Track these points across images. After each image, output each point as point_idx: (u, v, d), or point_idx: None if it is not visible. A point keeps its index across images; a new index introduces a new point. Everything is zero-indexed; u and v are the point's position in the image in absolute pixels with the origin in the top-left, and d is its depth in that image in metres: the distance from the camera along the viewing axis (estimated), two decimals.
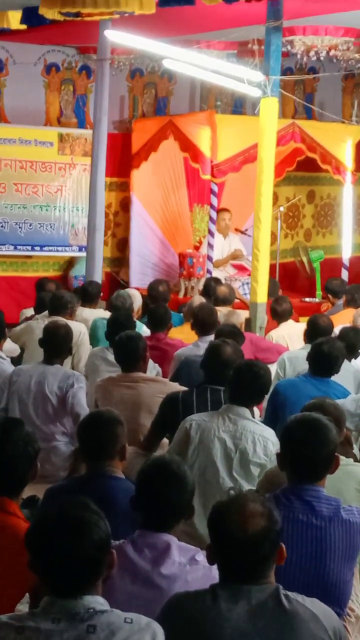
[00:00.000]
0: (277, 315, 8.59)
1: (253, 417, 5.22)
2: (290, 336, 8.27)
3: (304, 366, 6.51)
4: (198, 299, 8.62)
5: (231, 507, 2.96)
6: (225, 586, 2.94)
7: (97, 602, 2.70)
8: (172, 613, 2.96)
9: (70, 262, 12.70)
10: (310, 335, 7.05)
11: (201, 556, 3.43)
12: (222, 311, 8.51)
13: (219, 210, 11.64)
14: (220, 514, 2.97)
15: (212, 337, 7.06)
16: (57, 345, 6.45)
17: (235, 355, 5.68)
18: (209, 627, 2.87)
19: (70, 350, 6.68)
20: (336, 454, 3.89)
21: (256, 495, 3.04)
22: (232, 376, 5.24)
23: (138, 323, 7.83)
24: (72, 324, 7.30)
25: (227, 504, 2.98)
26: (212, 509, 3.02)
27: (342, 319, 8.41)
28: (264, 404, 6.66)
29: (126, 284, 11.99)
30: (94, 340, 8.17)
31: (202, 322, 7.45)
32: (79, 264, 12.25)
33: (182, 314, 8.88)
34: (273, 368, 7.11)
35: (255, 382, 5.19)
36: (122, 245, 13.03)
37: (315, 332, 6.98)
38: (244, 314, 9.07)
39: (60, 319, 7.22)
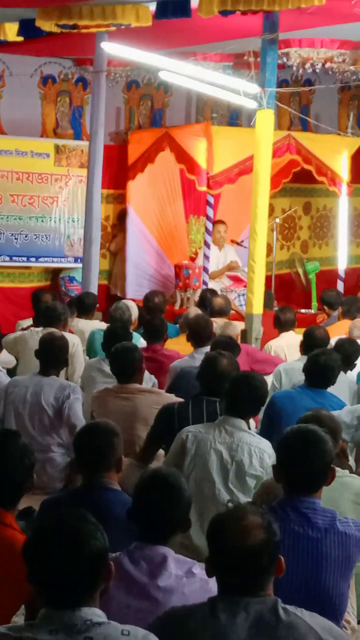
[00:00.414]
0: (280, 324, 8.57)
1: (249, 428, 5.22)
2: (289, 347, 8.27)
3: (300, 377, 6.51)
4: (194, 311, 8.63)
5: (230, 518, 2.96)
6: (224, 599, 2.93)
7: (95, 614, 2.69)
8: (170, 626, 2.95)
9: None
10: (307, 346, 7.06)
11: (198, 569, 3.42)
12: (218, 322, 8.52)
13: (214, 222, 11.66)
14: (220, 526, 2.96)
15: (207, 349, 7.06)
16: (53, 356, 6.45)
17: (231, 367, 5.69)
18: (205, 634, 2.86)
19: (67, 362, 6.69)
20: (332, 465, 3.89)
21: (255, 508, 3.03)
22: (229, 388, 5.24)
23: (135, 334, 7.83)
24: (67, 335, 7.29)
25: (226, 516, 2.98)
26: (211, 521, 3.02)
27: (337, 331, 8.42)
28: (260, 415, 6.66)
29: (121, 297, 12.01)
30: (91, 351, 8.17)
31: (198, 334, 7.46)
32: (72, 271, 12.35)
33: (178, 325, 8.88)
34: (269, 379, 7.13)
35: (252, 394, 5.19)
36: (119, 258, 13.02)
37: (312, 344, 6.98)
38: (239, 325, 9.08)
39: (55, 331, 7.21)
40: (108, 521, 3.14)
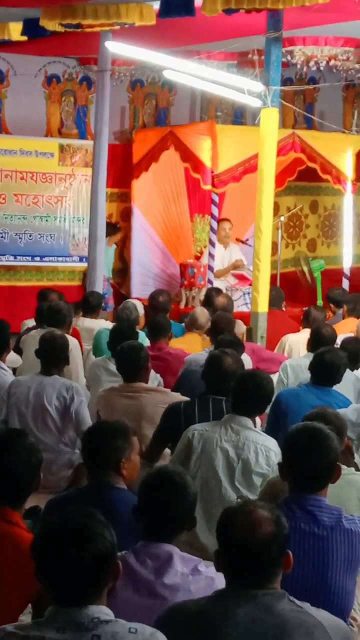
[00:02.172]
0: (307, 321, 8.51)
1: (255, 426, 5.23)
2: (305, 343, 8.23)
3: (307, 374, 6.52)
4: (200, 310, 8.62)
5: (240, 512, 2.99)
6: (232, 590, 2.94)
7: (102, 611, 2.69)
8: (174, 617, 2.97)
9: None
10: (314, 344, 7.06)
11: (203, 567, 3.43)
12: None
13: (219, 220, 11.66)
14: (229, 519, 2.99)
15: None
16: (54, 355, 6.43)
17: (236, 365, 5.70)
18: (211, 627, 2.87)
19: (67, 360, 6.65)
20: (338, 463, 3.90)
21: (264, 502, 3.07)
22: (235, 386, 5.24)
23: (141, 333, 7.84)
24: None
25: (236, 509, 3.01)
26: (221, 514, 3.04)
27: (343, 329, 8.41)
28: (266, 413, 6.66)
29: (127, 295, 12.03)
30: (97, 350, 8.17)
31: (219, 330, 7.51)
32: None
33: (183, 325, 8.88)
34: (274, 378, 7.14)
35: (258, 392, 5.20)
36: (124, 256, 13.04)
37: (319, 342, 6.99)
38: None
39: (55, 330, 7.17)
40: (114, 520, 3.14)
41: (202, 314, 8.45)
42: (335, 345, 7.06)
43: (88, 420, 6.21)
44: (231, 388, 5.26)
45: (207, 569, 3.42)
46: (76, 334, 8.22)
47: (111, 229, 12.09)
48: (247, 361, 7.45)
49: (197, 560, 3.47)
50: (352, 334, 7.92)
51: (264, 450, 5.02)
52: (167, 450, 5.78)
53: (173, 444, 5.46)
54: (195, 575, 3.39)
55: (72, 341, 7.51)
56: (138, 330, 7.97)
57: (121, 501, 3.96)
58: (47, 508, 4.25)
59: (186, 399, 5.82)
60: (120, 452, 4.15)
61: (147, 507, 3.49)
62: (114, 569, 2.75)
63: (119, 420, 4.42)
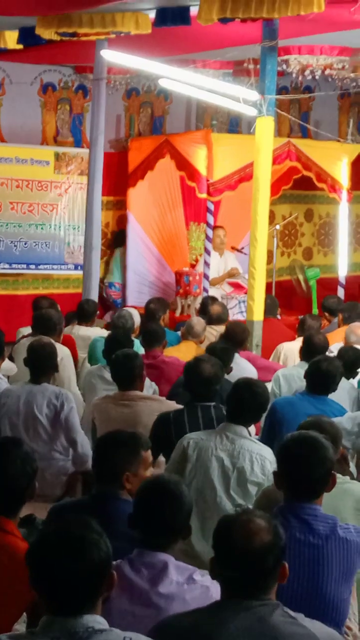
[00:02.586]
0: (303, 329, 8.52)
1: (249, 435, 5.23)
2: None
3: (300, 383, 6.52)
4: (197, 319, 8.63)
5: (237, 521, 2.99)
6: (227, 601, 2.94)
7: (96, 621, 2.69)
8: (167, 631, 2.96)
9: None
10: (306, 352, 7.08)
11: (199, 575, 3.43)
12: (217, 330, 8.54)
13: (213, 228, 11.69)
14: (226, 528, 2.99)
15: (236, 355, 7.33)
16: (42, 363, 6.39)
17: (215, 369, 5.72)
18: (205, 639, 2.87)
19: (56, 368, 6.62)
20: (333, 472, 3.90)
21: (262, 512, 3.07)
22: (230, 395, 5.25)
23: (136, 342, 7.84)
24: (57, 346, 7.17)
25: (234, 518, 3.01)
26: (218, 523, 3.04)
27: (337, 337, 8.42)
28: (261, 422, 6.66)
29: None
30: (92, 359, 8.16)
31: (232, 337, 7.65)
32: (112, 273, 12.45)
33: (179, 333, 8.88)
34: (269, 386, 7.15)
35: (254, 401, 5.20)
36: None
37: (311, 350, 7.00)
38: None
39: (43, 337, 7.14)
40: (115, 531, 3.14)
41: (199, 323, 8.46)
42: (330, 354, 7.07)
43: (78, 427, 6.21)
44: (227, 397, 5.27)
45: (203, 577, 3.41)
46: (71, 342, 8.21)
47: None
48: (251, 370, 7.48)
49: (192, 569, 3.46)
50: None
51: (259, 459, 5.02)
52: (162, 459, 5.77)
53: (165, 453, 5.46)
54: (190, 584, 3.39)
55: (63, 350, 7.43)
56: (133, 339, 7.97)
57: (123, 513, 3.93)
58: (50, 515, 4.24)
59: (179, 407, 5.83)
60: (124, 464, 4.09)
61: (141, 516, 3.49)
62: (108, 579, 2.75)
63: (134, 433, 4.35)
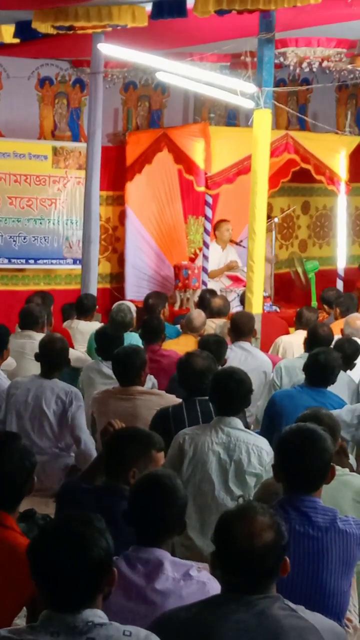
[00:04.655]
0: (300, 322, 8.52)
1: (246, 422, 5.23)
2: (300, 345, 8.25)
3: (301, 375, 6.52)
4: (197, 313, 8.63)
5: (240, 518, 2.94)
6: (227, 594, 2.93)
7: (96, 615, 2.69)
8: (165, 625, 2.94)
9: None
10: (310, 344, 7.07)
11: (195, 571, 3.41)
12: (217, 323, 8.53)
13: (220, 222, 11.68)
14: (228, 525, 2.95)
15: (246, 344, 7.51)
16: (54, 358, 6.43)
17: (207, 362, 5.73)
18: (203, 635, 2.85)
19: (69, 362, 6.66)
20: (331, 463, 3.89)
21: (265, 508, 3.01)
22: (215, 388, 5.24)
23: (135, 335, 7.86)
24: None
25: (236, 515, 2.97)
26: (219, 519, 3.00)
27: (335, 330, 8.40)
28: (260, 415, 6.67)
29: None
30: (91, 353, 8.16)
31: (239, 327, 7.68)
32: None
33: (179, 326, 8.88)
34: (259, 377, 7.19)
35: (241, 389, 5.20)
36: (122, 261, 12.98)
37: (315, 341, 7.00)
38: None
39: (54, 333, 7.15)
40: (120, 528, 3.13)
41: (199, 316, 8.46)
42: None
43: (84, 426, 6.22)
44: (211, 391, 5.26)
45: (199, 573, 3.40)
46: (65, 335, 8.23)
47: None
48: (263, 358, 7.54)
49: (189, 564, 3.45)
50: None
51: (256, 450, 5.03)
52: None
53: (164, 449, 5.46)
54: (186, 580, 3.37)
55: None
56: (132, 332, 7.98)
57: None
58: (59, 496, 4.32)
59: (179, 401, 5.82)
60: (133, 460, 4.08)
61: (136, 511, 3.47)
62: (109, 576, 2.75)
63: (150, 433, 4.35)
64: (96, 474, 4.42)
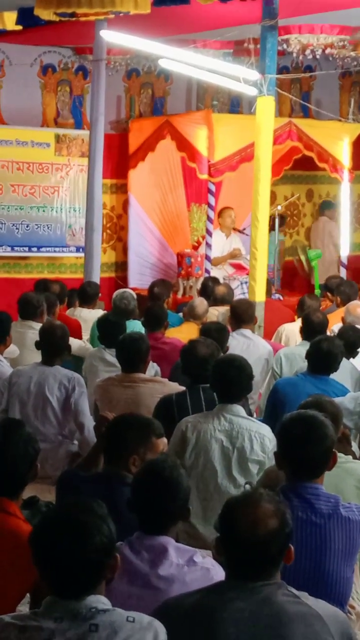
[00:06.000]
0: (302, 310, 8.51)
1: (248, 409, 5.23)
2: None
3: (301, 363, 6.51)
4: (199, 300, 8.63)
5: (244, 505, 2.95)
6: (231, 580, 2.93)
7: (99, 601, 2.70)
8: (169, 611, 2.95)
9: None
10: (305, 331, 7.08)
11: (199, 557, 3.42)
12: (219, 310, 8.53)
13: (224, 209, 11.65)
14: (233, 512, 2.95)
15: (247, 331, 7.50)
16: (55, 345, 6.43)
17: (210, 349, 5.74)
18: (207, 621, 2.86)
19: (69, 349, 6.67)
20: (333, 450, 3.89)
21: (271, 495, 3.01)
22: (215, 376, 5.25)
23: (137, 323, 7.85)
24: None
25: (241, 502, 2.97)
26: (224, 505, 3.00)
27: (337, 318, 8.39)
28: (262, 404, 6.67)
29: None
30: (94, 341, 8.17)
31: (239, 315, 7.67)
32: None
33: (181, 314, 8.88)
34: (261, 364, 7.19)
35: (241, 376, 5.21)
36: (126, 249, 12.95)
37: (310, 329, 7.01)
38: None
39: (53, 320, 7.13)
40: (122, 514, 3.13)
41: (201, 304, 8.45)
42: (331, 334, 7.06)
43: (87, 412, 6.22)
44: (212, 379, 5.26)
45: (204, 559, 3.41)
46: (76, 325, 8.24)
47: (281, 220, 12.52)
48: (264, 344, 7.54)
49: (192, 551, 3.46)
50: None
51: (259, 437, 5.04)
52: (165, 441, 5.77)
53: (167, 437, 5.46)
54: (190, 566, 3.38)
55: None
56: (135, 320, 7.98)
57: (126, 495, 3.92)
58: (59, 483, 4.31)
59: (183, 388, 5.82)
60: (133, 446, 4.08)
61: (139, 499, 3.47)
62: (112, 563, 2.76)
63: (149, 419, 4.36)
64: (92, 464, 4.43)
